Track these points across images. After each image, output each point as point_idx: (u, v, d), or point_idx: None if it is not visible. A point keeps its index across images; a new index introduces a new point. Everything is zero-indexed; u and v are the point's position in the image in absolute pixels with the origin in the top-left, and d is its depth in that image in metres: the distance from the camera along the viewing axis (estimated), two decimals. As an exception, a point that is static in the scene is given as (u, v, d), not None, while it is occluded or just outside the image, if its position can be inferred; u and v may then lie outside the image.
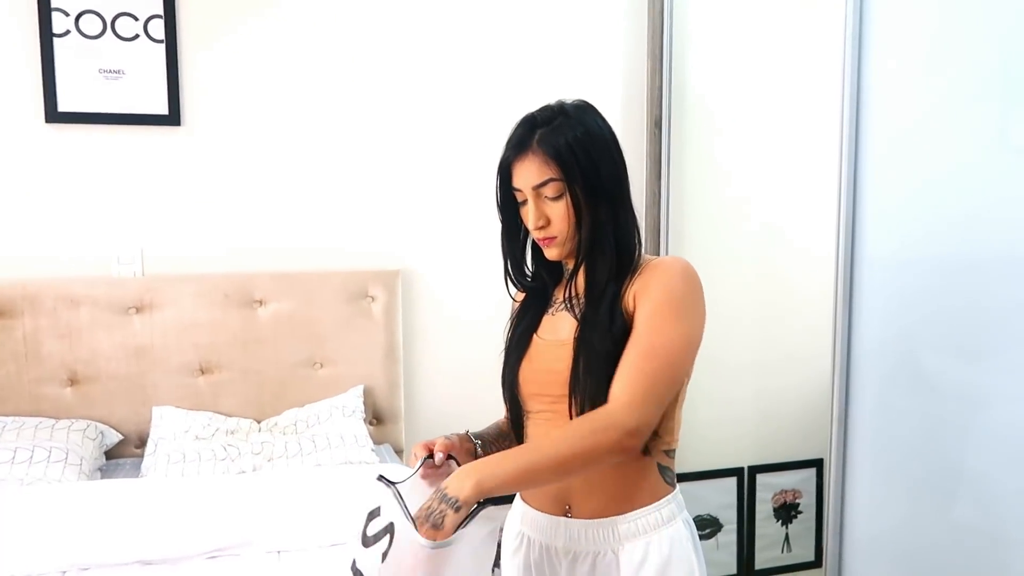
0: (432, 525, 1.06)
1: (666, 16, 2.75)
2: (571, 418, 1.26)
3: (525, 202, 1.29)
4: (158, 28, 2.38)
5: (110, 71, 2.36)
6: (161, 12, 2.37)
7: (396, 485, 1.14)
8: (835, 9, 2.06)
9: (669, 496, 1.33)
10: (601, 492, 1.30)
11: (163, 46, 2.39)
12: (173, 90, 2.41)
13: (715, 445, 3.02)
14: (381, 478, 1.15)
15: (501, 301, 2.70)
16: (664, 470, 1.33)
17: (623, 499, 1.30)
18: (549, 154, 1.24)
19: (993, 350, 1.74)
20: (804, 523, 3.13)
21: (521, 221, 1.34)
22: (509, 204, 1.34)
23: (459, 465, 1.25)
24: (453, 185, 2.70)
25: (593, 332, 1.25)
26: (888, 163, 1.98)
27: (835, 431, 2.17)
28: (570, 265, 1.34)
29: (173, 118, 2.42)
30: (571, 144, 1.24)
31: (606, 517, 1.30)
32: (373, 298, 2.59)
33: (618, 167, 1.29)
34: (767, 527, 3.09)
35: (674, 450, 1.35)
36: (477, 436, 1.38)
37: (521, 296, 1.44)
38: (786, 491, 3.11)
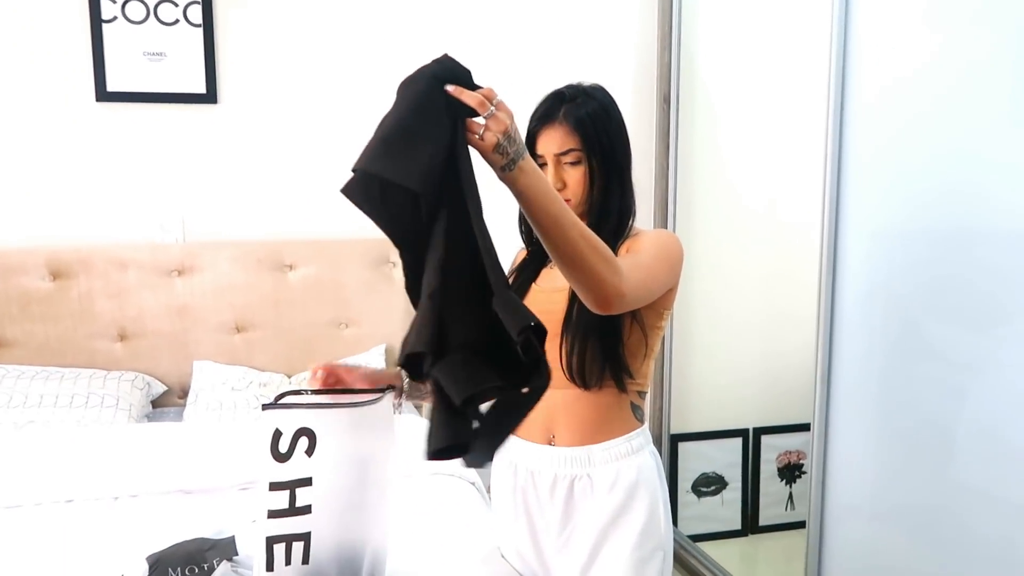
0: (497, 144, 1.04)
1: (675, 21, 2.85)
2: (560, 355, 1.44)
3: (544, 166, 1.46)
4: (196, 13, 2.58)
5: (153, 53, 2.56)
6: (199, -2, 2.56)
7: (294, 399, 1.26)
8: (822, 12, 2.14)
9: (638, 430, 1.53)
10: (581, 424, 1.49)
11: (201, 30, 2.58)
12: (210, 70, 2.59)
13: (721, 408, 3.14)
14: (274, 404, 1.24)
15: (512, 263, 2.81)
16: (635, 408, 1.53)
17: (599, 431, 1.49)
18: (573, 125, 1.43)
19: (971, 314, 1.80)
20: (807, 483, 3.22)
21: None
22: None
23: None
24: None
25: None
26: (871, 137, 2.04)
27: (819, 394, 2.24)
28: None
29: (210, 96, 2.60)
30: (593, 119, 1.43)
31: (584, 445, 1.50)
32: (394, 264, 2.75)
33: (626, 146, 1.49)
34: (771, 485, 3.21)
35: (645, 392, 1.55)
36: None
37: (523, 254, 1.62)
38: (790, 452, 3.23)
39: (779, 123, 2.99)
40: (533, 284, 1.55)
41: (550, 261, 1.56)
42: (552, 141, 1.45)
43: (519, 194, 1.09)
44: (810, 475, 2.30)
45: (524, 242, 1.61)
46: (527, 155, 1.08)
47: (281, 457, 1.25)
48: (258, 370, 2.67)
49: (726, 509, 3.20)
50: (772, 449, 3.22)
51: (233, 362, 2.66)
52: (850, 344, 2.16)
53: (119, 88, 2.54)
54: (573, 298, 1.44)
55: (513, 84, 2.75)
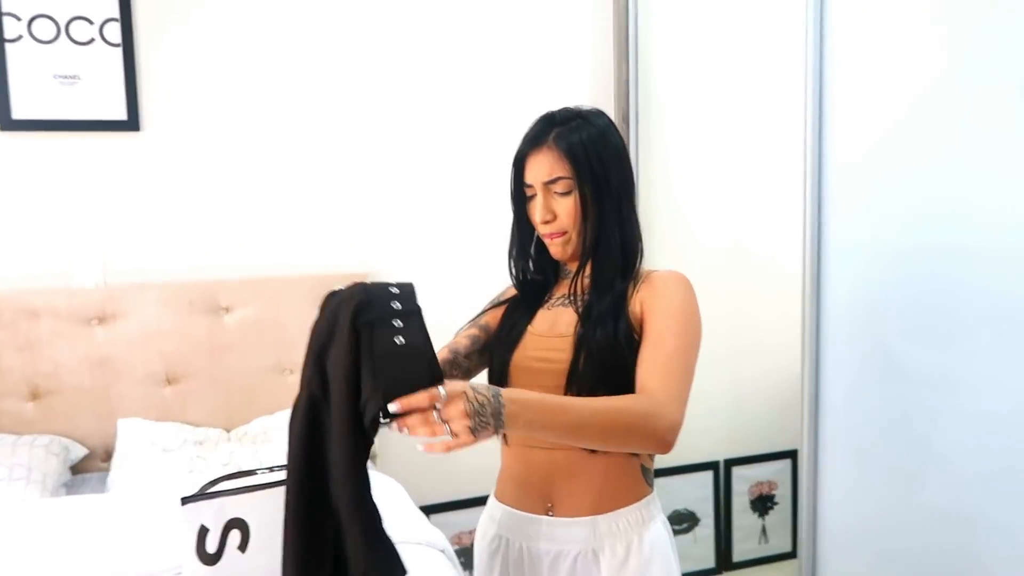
0: (473, 426, 0.99)
1: (631, 10, 2.79)
2: None
3: (534, 197, 1.34)
4: (114, 31, 2.37)
5: (65, 76, 2.35)
6: (117, 15, 2.36)
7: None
8: (799, 1, 2.10)
9: (649, 497, 1.38)
10: (584, 490, 1.34)
11: (120, 50, 2.38)
12: (131, 95, 2.40)
13: (690, 438, 2.97)
14: (196, 496, 1.11)
15: (471, 304, 2.72)
16: (646, 471, 1.38)
17: (606, 498, 1.34)
18: (563, 151, 1.31)
19: (960, 335, 1.78)
20: (780, 514, 3.19)
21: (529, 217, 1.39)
22: (521, 198, 1.39)
23: None
24: (421, 186, 2.72)
25: (596, 325, 1.29)
26: (853, 153, 2.01)
27: (807, 421, 2.19)
28: (572, 267, 1.39)
29: (132, 123, 2.41)
30: (585, 145, 1.31)
31: (588, 516, 1.34)
32: None
33: (626, 175, 1.36)
34: (744, 519, 3.15)
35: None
36: None
37: (510, 293, 1.48)
38: (762, 483, 3.17)
39: (751, 138, 2.97)
40: (528, 327, 1.40)
41: (547, 299, 1.42)
42: (540, 168, 1.33)
43: (527, 434, 1.09)
44: (801, 504, 2.24)
45: (514, 283, 1.47)
46: (504, 401, 1.03)
47: (210, 559, 1.12)
48: (193, 426, 2.47)
49: (699, 546, 3.11)
50: (743, 480, 3.17)
51: (164, 418, 2.45)
52: (837, 366, 2.12)
53: (26, 115, 2.34)
54: (579, 346, 1.30)
55: (468, 109, 2.75)
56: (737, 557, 3.15)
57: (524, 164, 1.35)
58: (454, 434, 0.99)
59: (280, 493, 1.13)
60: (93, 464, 2.41)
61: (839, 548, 2.16)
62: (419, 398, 0.97)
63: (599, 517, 1.34)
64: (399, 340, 1.01)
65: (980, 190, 1.71)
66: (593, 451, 1.31)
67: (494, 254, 2.67)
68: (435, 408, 0.98)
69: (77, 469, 2.39)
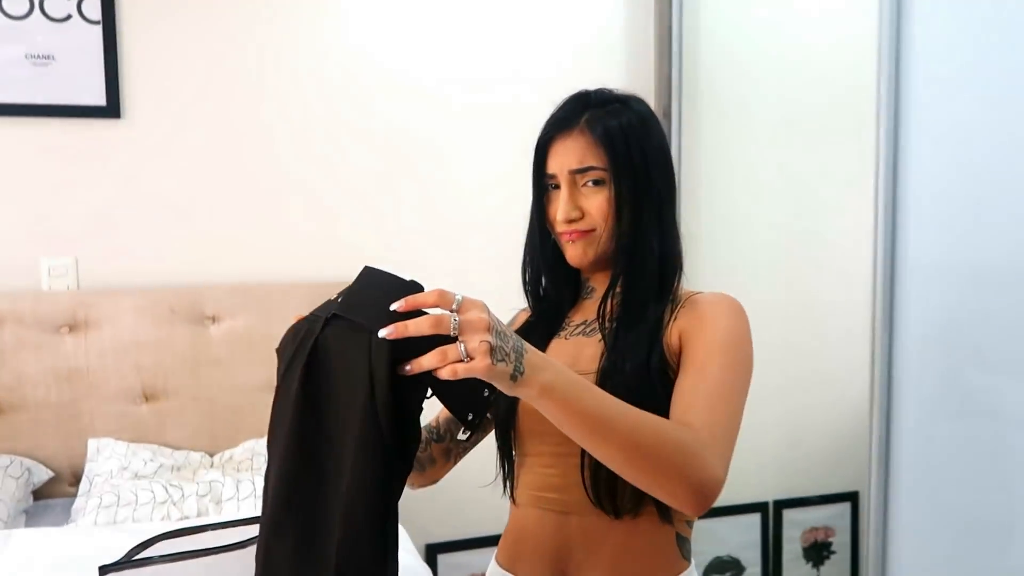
0: (490, 354, 0.78)
1: (674, 25, 2.62)
2: (583, 467, 1.07)
3: (556, 191, 1.14)
4: (93, 7, 2.23)
5: (39, 56, 2.21)
6: (97, -12, 2.23)
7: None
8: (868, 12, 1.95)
9: (685, 574, 1.15)
10: (609, 563, 1.11)
11: (99, 27, 2.24)
12: (112, 78, 2.25)
13: (736, 476, 2.83)
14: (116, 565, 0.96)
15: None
16: (682, 541, 1.15)
17: (633, 572, 1.11)
18: (597, 136, 1.10)
19: None
20: (838, 564, 2.94)
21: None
22: (541, 194, 1.18)
23: None
24: (428, 187, 2.56)
25: (625, 360, 1.07)
26: (933, 159, 1.88)
27: (875, 461, 2.05)
28: (595, 283, 1.19)
29: (112, 109, 2.27)
30: (624, 131, 1.10)
31: None
32: None
33: (669, 175, 1.16)
34: (795, 569, 2.91)
35: (693, 520, 1.16)
36: None
37: (525, 315, 1.27)
38: (816, 528, 2.92)
39: (813, 141, 2.76)
40: None
41: (562, 330, 1.19)
42: (568, 154, 1.12)
43: (542, 402, 0.86)
44: (864, 555, 2.21)
45: (529, 302, 1.25)
46: (527, 345, 0.85)
47: None
48: (171, 448, 2.29)
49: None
50: (795, 525, 2.91)
51: (140, 439, 2.28)
52: (910, 399, 2.00)
53: None
54: (603, 385, 1.05)
55: (488, 105, 2.55)
56: (787, 612, 2.86)
57: (548, 151, 1.14)
58: (469, 355, 0.78)
59: (229, 560, 1.01)
60: (59, 488, 2.24)
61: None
62: (426, 297, 0.80)
63: None
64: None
65: None
66: (616, 515, 1.08)
67: (500, 265, 2.50)
68: (451, 312, 0.79)
69: (40, 494, 2.22)
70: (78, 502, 2.06)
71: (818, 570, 2.90)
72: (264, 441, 2.26)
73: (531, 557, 1.15)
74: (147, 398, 2.29)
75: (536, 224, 1.19)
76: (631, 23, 2.66)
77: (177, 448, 2.28)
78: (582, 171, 1.11)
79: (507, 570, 1.19)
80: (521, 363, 0.82)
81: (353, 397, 0.83)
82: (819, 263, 2.78)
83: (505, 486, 1.21)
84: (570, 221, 1.11)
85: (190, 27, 2.31)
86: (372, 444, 0.82)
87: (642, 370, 1.05)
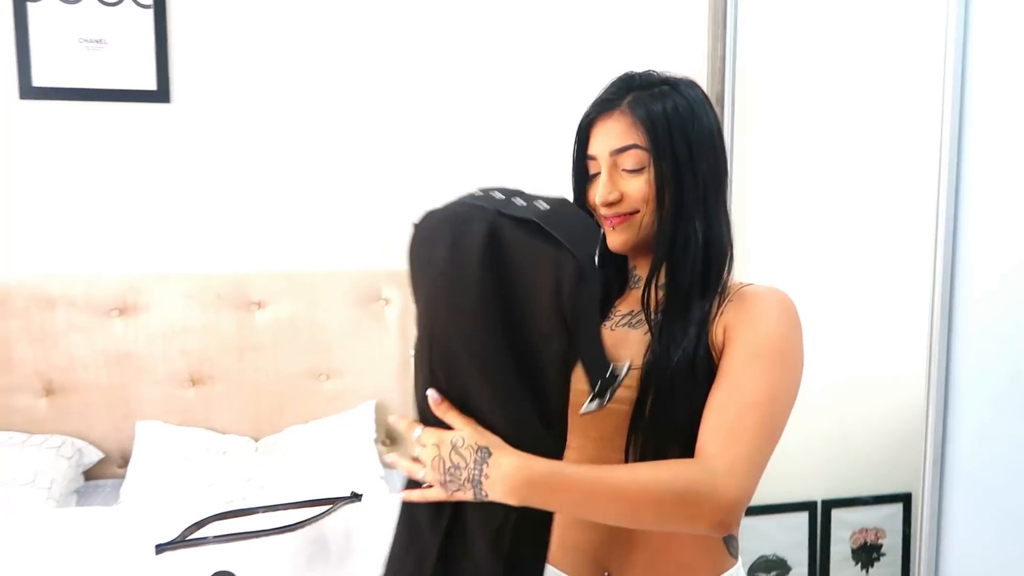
0: (442, 483, 0.93)
1: (729, 4, 2.56)
2: (626, 462, 1.07)
3: (597, 175, 1.12)
4: None
5: (91, 40, 2.25)
6: (149, -27, 2.25)
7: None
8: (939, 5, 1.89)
9: (733, 570, 1.14)
10: (651, 559, 1.10)
11: (151, 12, 2.27)
12: (162, 62, 2.29)
13: (784, 474, 2.78)
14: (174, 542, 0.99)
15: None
16: (730, 538, 1.13)
17: (678, 569, 1.10)
18: (640, 117, 1.08)
19: None
20: (888, 567, 2.87)
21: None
22: (583, 177, 1.16)
23: None
24: (477, 172, 2.51)
25: (669, 356, 1.05)
26: (996, 155, 1.84)
27: (929, 461, 2.04)
28: (640, 271, 1.17)
29: (162, 94, 2.30)
30: (668, 116, 1.08)
31: None
32: (387, 301, 2.43)
33: (719, 164, 1.13)
34: (844, 571, 2.85)
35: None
36: None
37: None
38: (867, 530, 2.86)
39: (873, 131, 2.68)
40: None
41: (609, 319, 1.17)
42: (608, 134, 1.10)
43: (526, 503, 0.93)
44: (916, 557, 2.16)
45: None
46: (487, 470, 0.91)
47: None
48: (218, 432, 2.34)
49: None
50: (845, 526, 2.85)
51: (186, 423, 2.32)
52: (968, 399, 1.98)
53: (48, 82, 2.24)
54: (649, 379, 1.04)
55: (532, 92, 2.52)
56: (834, 614, 2.82)
57: (590, 133, 1.12)
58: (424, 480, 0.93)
59: (281, 541, 1.04)
60: (108, 469, 2.31)
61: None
62: (402, 423, 0.94)
63: None
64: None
65: None
66: None
67: None
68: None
69: (91, 474, 2.28)
70: (127, 483, 2.12)
71: (867, 572, 2.85)
72: (307, 427, 2.30)
73: (574, 552, 1.15)
74: (193, 382, 2.33)
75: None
76: (685, 10, 2.61)
77: (223, 432, 2.32)
78: (622, 150, 1.09)
79: (551, 564, 1.19)
80: (479, 488, 0.91)
81: (536, 300, 0.89)
82: (876, 258, 2.72)
83: None
84: (609, 204, 1.10)
85: (239, 12, 2.32)
86: (557, 342, 0.90)
87: (687, 366, 1.04)
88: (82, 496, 2.17)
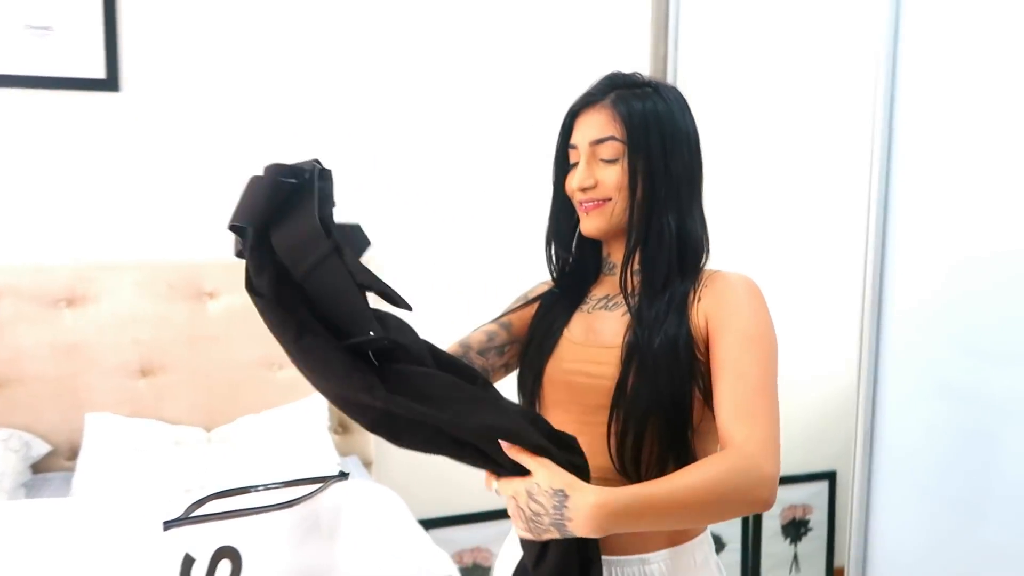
0: (528, 530, 0.98)
1: (672, 6, 2.64)
2: (609, 435, 1.14)
3: (577, 164, 1.20)
4: None
5: (38, 27, 2.20)
6: (97, -43, 2.22)
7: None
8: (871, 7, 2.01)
9: (702, 537, 1.23)
10: None
11: None
12: (111, 49, 2.25)
13: None
14: (180, 519, 1.03)
15: (480, 292, 2.53)
16: None
17: (655, 536, 1.19)
18: (620, 112, 1.17)
19: None
20: (815, 541, 3.04)
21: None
22: (563, 166, 1.24)
23: None
24: (427, 163, 2.58)
25: (651, 337, 1.13)
26: (925, 150, 1.92)
27: (859, 441, 2.10)
28: (614, 258, 1.24)
29: (111, 82, 2.27)
30: (647, 113, 1.17)
31: (634, 554, 1.18)
32: None
33: (693, 165, 1.22)
34: (774, 545, 3.00)
35: None
36: None
37: (542, 287, 1.32)
38: (795, 506, 3.02)
39: (799, 142, 2.81)
40: (564, 331, 1.22)
41: (585, 303, 1.25)
42: (590, 125, 1.19)
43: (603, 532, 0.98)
44: (847, 532, 2.18)
45: (553, 274, 1.30)
46: (567, 514, 0.95)
47: None
48: (169, 423, 2.32)
49: (724, 574, 2.94)
50: (775, 503, 2.98)
51: (137, 414, 2.30)
52: (895, 381, 2.05)
53: None
54: (629, 358, 1.13)
55: (479, 95, 2.57)
56: (765, 587, 2.98)
57: (574, 124, 1.21)
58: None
59: (277, 518, 1.07)
60: (56, 463, 2.27)
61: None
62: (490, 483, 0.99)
63: (648, 556, 1.18)
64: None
65: None
66: (640, 481, 1.15)
67: (497, 244, 2.56)
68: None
69: (38, 468, 2.24)
70: (78, 475, 2.10)
71: (795, 546, 3.02)
72: (260, 417, 2.31)
73: None
74: (144, 373, 2.32)
75: (559, 198, 1.25)
76: (627, 5, 2.69)
77: (175, 423, 2.31)
78: (600, 141, 1.17)
79: None
80: (565, 529, 0.95)
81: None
82: (808, 248, 2.84)
83: None
84: (584, 190, 1.17)
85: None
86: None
87: (671, 347, 1.11)
88: (30, 490, 2.13)
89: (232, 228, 0.98)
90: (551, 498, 0.94)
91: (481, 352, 1.25)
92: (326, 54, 2.44)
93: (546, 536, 0.96)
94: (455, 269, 2.61)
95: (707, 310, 1.14)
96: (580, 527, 0.94)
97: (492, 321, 1.30)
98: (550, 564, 0.99)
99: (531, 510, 0.95)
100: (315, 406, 2.37)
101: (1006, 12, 1.70)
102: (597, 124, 1.17)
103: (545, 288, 1.32)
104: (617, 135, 1.16)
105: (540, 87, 2.58)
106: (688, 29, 2.67)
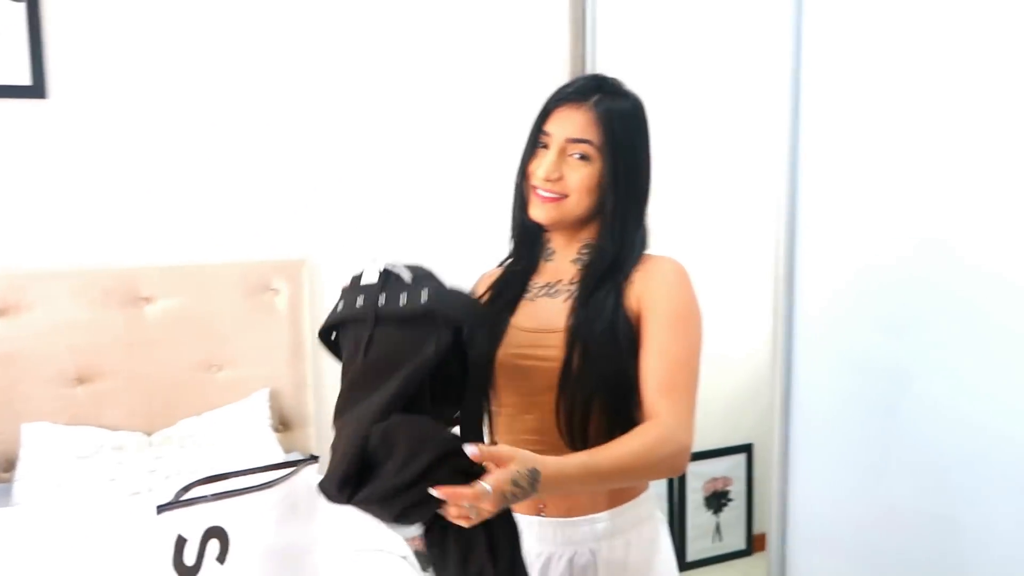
0: (505, 501, 1.02)
1: (588, 6, 2.74)
2: (557, 414, 1.25)
3: (545, 148, 1.28)
4: None
5: None
6: (19, -38, 2.19)
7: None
8: (776, 9, 2.12)
9: (645, 494, 1.35)
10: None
11: (24, 4, 2.20)
12: (36, 56, 2.23)
13: None
14: (172, 503, 1.09)
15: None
16: None
17: (601, 496, 1.30)
18: (601, 119, 1.25)
19: (923, 328, 1.85)
20: (735, 510, 3.23)
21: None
22: (531, 149, 1.32)
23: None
24: (361, 165, 2.61)
25: (591, 322, 1.23)
26: (828, 146, 2.05)
27: (778, 414, 2.22)
28: (555, 246, 1.34)
29: (37, 89, 2.24)
30: (627, 122, 1.26)
31: (583, 515, 1.30)
32: (276, 291, 2.48)
33: (647, 175, 1.32)
34: (698, 517, 3.17)
35: None
36: None
37: (489, 278, 1.41)
38: (716, 479, 3.20)
39: (718, 127, 2.96)
40: (511, 319, 1.32)
41: (528, 291, 1.35)
42: (570, 123, 1.27)
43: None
44: (769, 500, 2.29)
45: (512, 249, 1.40)
46: (539, 487, 1.04)
47: (188, 572, 1.09)
48: (109, 429, 2.30)
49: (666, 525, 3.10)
50: (697, 477, 3.19)
51: (76, 421, 2.28)
52: (808, 358, 2.16)
53: None
54: (573, 342, 1.24)
55: (409, 95, 2.59)
56: (691, 556, 3.16)
57: (551, 113, 1.29)
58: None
59: (262, 497, 1.13)
60: None
61: (809, 544, 2.19)
62: (463, 493, 0.98)
63: (595, 516, 1.30)
64: None
65: (946, 191, 1.78)
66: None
67: (433, 241, 2.63)
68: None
69: (-26, 481, 2.20)
70: (17, 486, 2.07)
71: (718, 516, 3.21)
72: (201, 419, 2.34)
73: None
74: (81, 380, 2.30)
75: (521, 177, 1.32)
76: (546, 7, 2.76)
77: (115, 429, 2.30)
78: (577, 141, 1.25)
79: None
80: (517, 499, 1.02)
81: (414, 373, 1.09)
82: (724, 236, 2.99)
83: (476, 434, 1.39)
84: (549, 180, 1.26)
85: (116, 4, 2.29)
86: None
87: (609, 332, 1.23)
88: (-35, 503, 2.10)
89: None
90: (527, 479, 1.03)
91: None
92: (247, 54, 2.45)
93: (484, 516, 1.02)
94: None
95: (639, 292, 1.25)
96: (544, 491, 1.05)
97: None
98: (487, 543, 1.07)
99: (512, 494, 1.01)
100: (256, 405, 2.40)
101: (905, 14, 1.83)
102: (577, 124, 1.25)
103: (487, 282, 1.41)
104: (594, 140, 1.24)
105: (462, 88, 2.63)
106: (605, 29, 2.78)
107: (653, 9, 2.93)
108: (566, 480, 1.08)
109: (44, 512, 1.93)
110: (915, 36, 1.82)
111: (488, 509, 0.99)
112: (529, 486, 1.02)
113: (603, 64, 2.79)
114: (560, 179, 1.26)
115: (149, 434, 2.34)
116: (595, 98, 1.26)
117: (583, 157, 1.25)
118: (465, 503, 0.98)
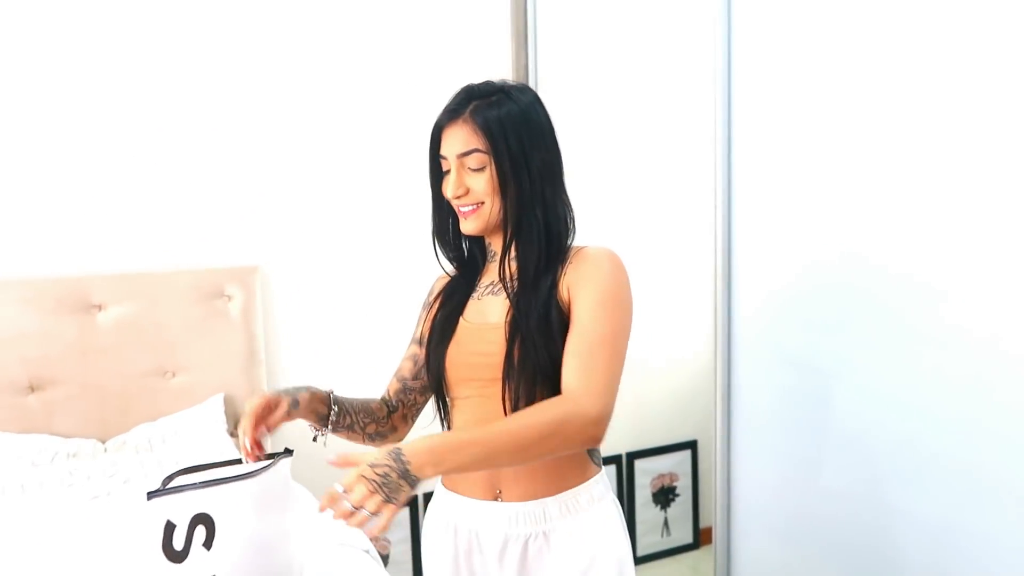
0: (386, 497, 1.09)
1: (530, 17, 2.82)
2: (504, 403, 1.32)
3: (448, 172, 1.35)
4: None
5: None
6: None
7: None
8: (706, 11, 2.19)
9: (597, 476, 1.42)
10: (532, 474, 1.36)
11: None
12: None
13: None
14: (163, 490, 1.15)
15: (369, 298, 2.66)
16: (592, 451, 1.42)
17: (554, 481, 1.37)
18: (479, 125, 1.31)
19: (850, 330, 1.95)
20: (682, 505, 3.32)
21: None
22: (438, 173, 1.39)
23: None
24: (315, 172, 2.65)
25: (527, 315, 1.31)
26: (762, 156, 2.13)
27: (719, 411, 2.30)
28: (495, 248, 1.41)
29: None
30: (503, 120, 1.31)
31: (537, 499, 1.37)
32: (229, 297, 2.51)
33: (551, 154, 1.37)
34: (646, 512, 3.25)
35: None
36: (337, 402, 1.40)
37: (443, 280, 1.49)
38: (663, 475, 3.28)
39: (653, 145, 3.03)
40: (460, 318, 1.42)
41: (476, 290, 1.44)
42: (455, 140, 1.34)
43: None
44: (712, 494, 2.35)
45: (445, 268, 1.49)
46: (406, 459, 1.11)
47: (177, 556, 1.13)
48: (62, 437, 2.31)
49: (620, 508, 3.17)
50: (645, 473, 3.27)
51: (28, 430, 2.29)
52: (747, 356, 2.24)
53: None
54: (512, 335, 1.32)
55: (361, 101, 2.66)
56: (641, 552, 3.24)
57: (440, 137, 1.36)
58: (375, 513, 1.08)
59: (246, 485, 1.18)
60: None
61: (753, 535, 2.28)
62: (325, 502, 1.09)
63: (548, 499, 1.37)
64: None
65: (868, 205, 1.87)
66: None
67: (387, 247, 2.68)
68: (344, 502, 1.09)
69: (-76, 493, 2.16)
70: (-30, 496, 2.06)
71: (666, 511, 3.30)
72: (156, 424, 2.34)
73: (469, 477, 1.39)
74: (33, 389, 2.30)
75: (438, 200, 1.41)
76: (489, 14, 2.82)
77: (68, 436, 2.30)
78: (466, 153, 1.32)
79: (451, 490, 1.44)
80: (411, 478, 1.10)
81: None
82: (664, 240, 3.06)
83: (443, 425, 1.46)
84: (457, 197, 1.34)
85: (59, 11, 2.29)
86: None
87: (543, 323, 1.30)
88: (-83, 516, 2.08)
89: None
90: (388, 457, 1.10)
91: (415, 377, 1.47)
92: (200, 67, 2.47)
93: (401, 496, 1.09)
94: (346, 278, 2.70)
95: (570, 281, 1.33)
96: (423, 467, 1.11)
97: (412, 342, 1.50)
98: None
99: (378, 475, 1.09)
100: (211, 410, 2.42)
101: (834, 23, 1.91)
102: (460, 138, 1.32)
103: (441, 284, 1.49)
104: (480, 147, 1.31)
105: (406, 98, 2.69)
106: (546, 38, 2.85)
107: (593, 17, 2.98)
108: (445, 450, 1.14)
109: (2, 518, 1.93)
110: (844, 46, 1.90)
111: (376, 499, 1.08)
112: (395, 461, 1.10)
113: (545, 73, 2.87)
114: (468, 192, 1.34)
115: (103, 440, 2.35)
116: (470, 108, 1.33)
117: (478, 167, 1.33)
118: (340, 504, 1.09)
